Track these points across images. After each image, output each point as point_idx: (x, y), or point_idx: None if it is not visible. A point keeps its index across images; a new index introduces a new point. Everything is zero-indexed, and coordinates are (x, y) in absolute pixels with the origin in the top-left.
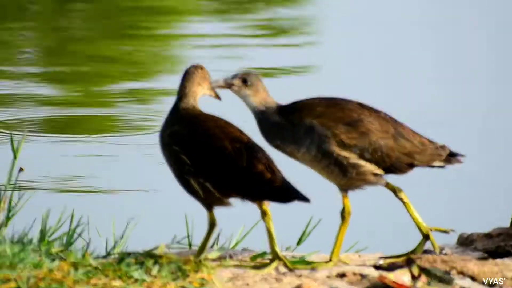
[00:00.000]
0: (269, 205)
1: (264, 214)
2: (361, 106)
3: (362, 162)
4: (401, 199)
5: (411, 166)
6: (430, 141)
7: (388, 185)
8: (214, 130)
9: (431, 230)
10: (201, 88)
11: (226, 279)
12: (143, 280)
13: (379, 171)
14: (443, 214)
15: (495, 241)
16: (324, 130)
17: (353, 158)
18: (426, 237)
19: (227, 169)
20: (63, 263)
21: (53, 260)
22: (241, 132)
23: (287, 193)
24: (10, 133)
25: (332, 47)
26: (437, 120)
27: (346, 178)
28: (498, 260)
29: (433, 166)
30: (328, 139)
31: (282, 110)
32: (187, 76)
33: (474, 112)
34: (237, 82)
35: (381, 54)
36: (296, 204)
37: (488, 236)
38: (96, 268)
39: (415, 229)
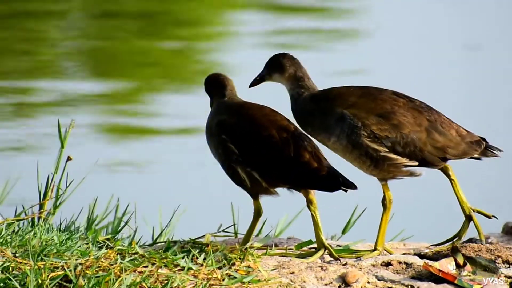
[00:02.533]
0: (315, 194)
1: (310, 203)
2: (396, 95)
3: (392, 155)
4: (448, 176)
5: (444, 159)
6: (468, 133)
7: None
8: (261, 119)
9: (473, 211)
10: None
11: (272, 267)
12: (189, 268)
13: (411, 163)
14: (489, 203)
15: None
16: (355, 120)
17: (384, 151)
18: (469, 218)
19: (274, 158)
20: (110, 251)
21: (100, 248)
22: (287, 120)
23: (333, 181)
24: (58, 120)
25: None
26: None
27: (378, 169)
28: None
29: (469, 158)
30: (359, 130)
31: (315, 97)
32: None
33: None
34: (265, 71)
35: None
36: (341, 193)
37: None
38: (142, 256)
39: (460, 217)
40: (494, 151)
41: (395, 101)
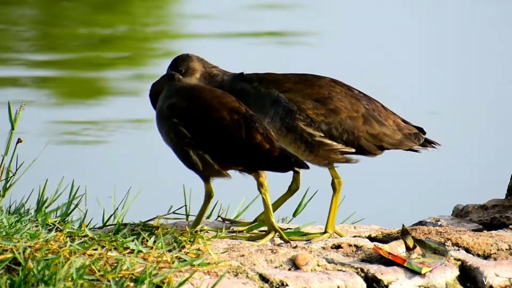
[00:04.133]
0: (266, 177)
1: (260, 185)
2: (334, 82)
3: (328, 141)
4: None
5: (381, 148)
6: (406, 125)
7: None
8: (212, 101)
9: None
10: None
11: (222, 250)
12: (139, 251)
13: (347, 149)
14: (439, 185)
15: (490, 212)
16: (290, 104)
17: (319, 135)
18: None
19: (225, 140)
20: (60, 233)
21: (49, 230)
22: (238, 102)
23: (285, 162)
24: (8, 102)
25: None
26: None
27: (313, 155)
28: (493, 232)
29: (407, 150)
30: (293, 113)
31: (249, 78)
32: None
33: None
34: (176, 76)
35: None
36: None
37: (483, 207)
38: (92, 238)
39: (413, 200)
40: (432, 144)
41: (332, 87)
